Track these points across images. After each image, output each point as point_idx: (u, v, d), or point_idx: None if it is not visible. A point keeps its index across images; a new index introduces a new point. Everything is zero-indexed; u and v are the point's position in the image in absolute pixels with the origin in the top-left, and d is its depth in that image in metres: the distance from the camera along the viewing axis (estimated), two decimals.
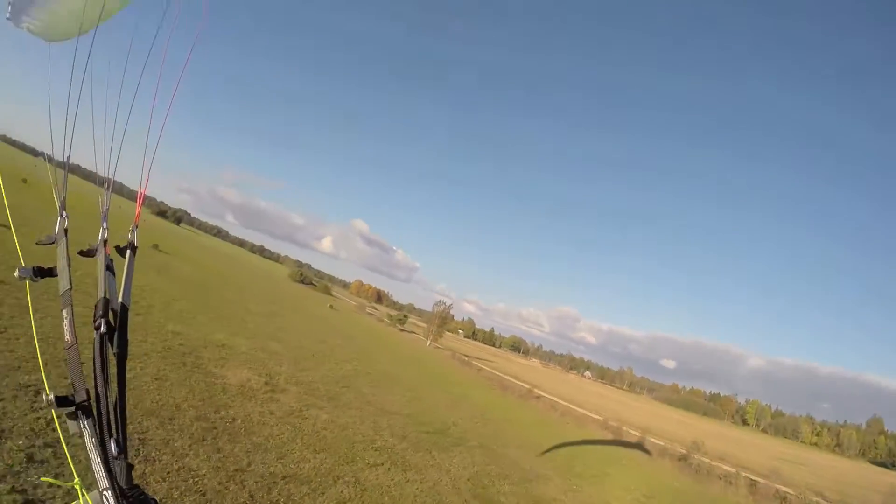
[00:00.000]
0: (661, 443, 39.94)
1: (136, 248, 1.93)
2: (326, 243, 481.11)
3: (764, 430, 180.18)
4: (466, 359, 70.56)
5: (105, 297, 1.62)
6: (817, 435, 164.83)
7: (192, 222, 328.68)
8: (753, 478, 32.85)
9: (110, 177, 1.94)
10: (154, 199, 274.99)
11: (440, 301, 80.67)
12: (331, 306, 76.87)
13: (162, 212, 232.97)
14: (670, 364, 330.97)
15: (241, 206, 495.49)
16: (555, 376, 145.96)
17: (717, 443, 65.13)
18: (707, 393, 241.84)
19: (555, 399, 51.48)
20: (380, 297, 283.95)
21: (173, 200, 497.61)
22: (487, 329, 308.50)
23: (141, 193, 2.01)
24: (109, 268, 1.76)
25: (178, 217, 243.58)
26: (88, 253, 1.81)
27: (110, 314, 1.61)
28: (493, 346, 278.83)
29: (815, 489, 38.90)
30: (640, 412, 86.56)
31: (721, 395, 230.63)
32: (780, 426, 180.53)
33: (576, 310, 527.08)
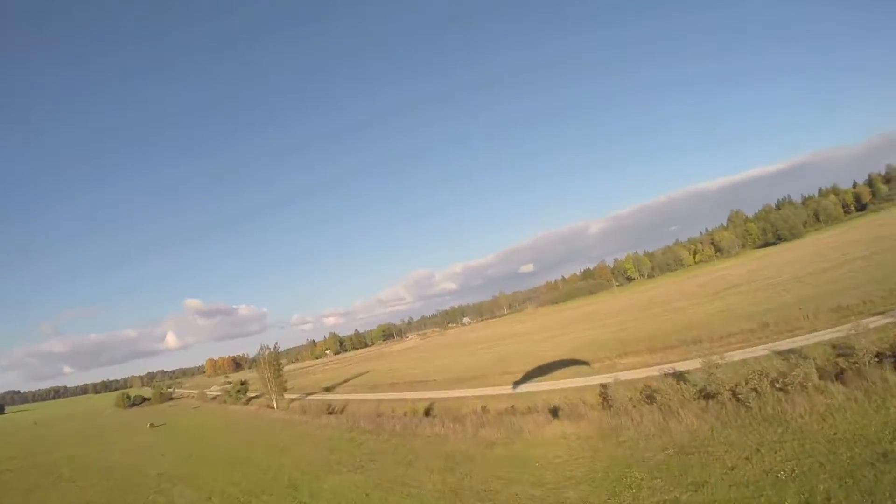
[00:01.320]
0: (613, 376, 31.53)
1: None
2: (170, 339, 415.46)
3: (650, 276, 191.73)
4: (324, 399, 57.83)
5: None
6: (696, 253, 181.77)
7: (26, 398, 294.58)
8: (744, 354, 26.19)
9: None
10: None
11: (263, 346, 66.04)
12: (151, 425, 65.42)
13: None
14: (529, 268, 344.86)
15: (72, 351, 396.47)
16: (436, 344, 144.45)
17: (643, 324, 60.82)
18: (579, 272, 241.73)
19: (449, 395, 44.69)
20: (238, 364, 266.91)
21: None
22: (353, 332, 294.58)
23: None
24: None
25: (1, 404, 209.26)
26: None
27: None
28: (365, 345, 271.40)
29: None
30: (545, 334, 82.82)
31: (591, 268, 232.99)
32: (663, 264, 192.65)
33: (426, 268, 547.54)
